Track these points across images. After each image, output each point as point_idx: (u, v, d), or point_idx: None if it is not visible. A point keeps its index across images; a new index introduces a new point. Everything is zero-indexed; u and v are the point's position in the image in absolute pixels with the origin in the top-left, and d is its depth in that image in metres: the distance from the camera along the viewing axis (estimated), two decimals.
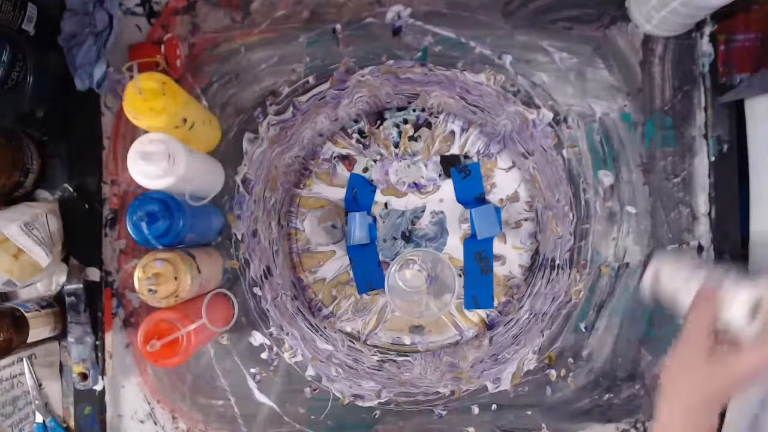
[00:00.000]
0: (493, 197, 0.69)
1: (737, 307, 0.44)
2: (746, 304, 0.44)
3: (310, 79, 0.67)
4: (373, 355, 0.69)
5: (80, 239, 0.68)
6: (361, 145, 0.70)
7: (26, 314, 0.61)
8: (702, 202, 0.65)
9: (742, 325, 0.44)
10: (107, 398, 0.68)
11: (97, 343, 0.67)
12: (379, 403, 0.68)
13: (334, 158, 0.70)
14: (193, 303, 0.60)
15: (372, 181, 0.70)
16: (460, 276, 0.69)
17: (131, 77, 0.53)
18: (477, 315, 0.70)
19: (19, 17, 0.61)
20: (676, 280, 0.55)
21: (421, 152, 0.70)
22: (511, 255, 0.70)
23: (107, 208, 0.68)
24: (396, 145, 0.70)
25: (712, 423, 0.45)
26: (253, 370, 0.68)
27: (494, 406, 0.68)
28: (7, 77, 0.59)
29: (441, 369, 0.68)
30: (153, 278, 0.55)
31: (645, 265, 0.64)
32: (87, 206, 0.68)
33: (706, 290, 0.48)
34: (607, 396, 0.67)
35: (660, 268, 0.58)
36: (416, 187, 0.70)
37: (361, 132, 0.70)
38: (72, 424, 0.68)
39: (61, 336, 0.67)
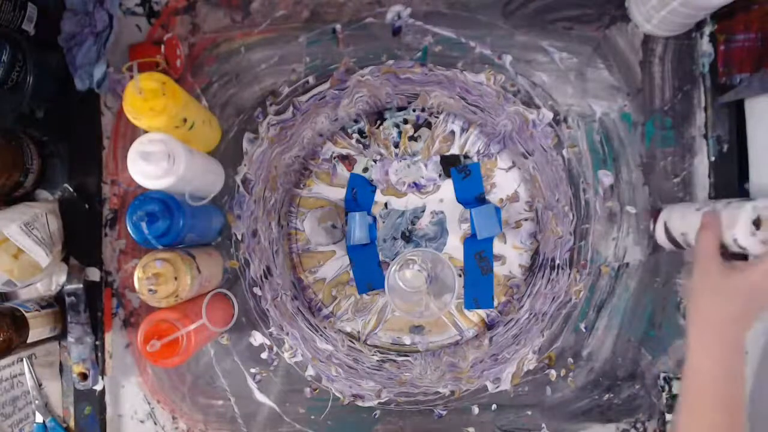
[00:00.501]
0: (493, 197, 0.69)
1: (741, 224, 0.50)
2: (748, 219, 0.50)
3: (310, 79, 0.67)
4: (373, 355, 0.69)
5: (80, 239, 0.68)
6: (361, 145, 0.70)
7: (26, 314, 0.61)
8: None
9: (748, 238, 0.50)
10: (107, 398, 0.68)
11: (97, 343, 0.67)
12: (379, 403, 0.68)
13: (334, 158, 0.70)
14: (193, 303, 0.60)
15: (372, 181, 0.70)
16: (460, 276, 0.69)
17: (131, 77, 0.53)
18: (477, 315, 0.70)
19: (19, 17, 0.61)
20: (684, 224, 0.59)
21: (421, 152, 0.70)
22: (511, 255, 0.70)
23: (107, 208, 0.68)
24: (396, 145, 0.70)
25: (741, 342, 0.47)
26: (253, 370, 0.68)
27: (494, 406, 0.68)
28: (7, 77, 0.59)
29: (441, 369, 0.68)
30: (153, 278, 0.55)
31: (654, 217, 0.65)
32: (87, 206, 0.68)
33: (708, 215, 0.52)
34: (607, 396, 0.67)
35: (668, 218, 0.62)
36: (416, 187, 0.70)
37: (361, 132, 0.70)
38: (72, 424, 0.68)
39: (61, 336, 0.67)
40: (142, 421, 0.69)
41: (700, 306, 0.49)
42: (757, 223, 0.50)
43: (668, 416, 0.65)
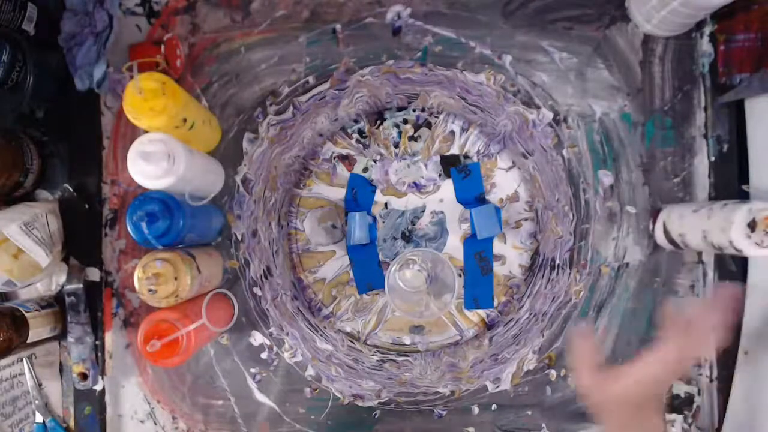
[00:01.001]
0: (493, 197, 0.69)
1: (737, 227, 0.52)
2: (743, 221, 0.51)
3: (310, 79, 0.67)
4: (373, 355, 0.69)
5: (80, 239, 0.68)
6: (361, 145, 0.70)
7: (26, 314, 0.61)
8: None
9: (743, 241, 0.51)
10: (107, 398, 0.68)
11: (97, 343, 0.67)
12: (379, 403, 0.68)
13: (334, 158, 0.70)
14: (193, 303, 0.60)
15: (372, 181, 0.70)
16: (460, 276, 0.69)
17: (131, 77, 0.53)
18: (477, 315, 0.70)
19: (19, 17, 0.61)
20: (682, 224, 0.60)
21: (421, 152, 0.70)
22: (511, 255, 0.70)
23: (107, 208, 0.68)
24: (396, 145, 0.70)
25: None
26: (253, 370, 0.68)
27: (494, 406, 0.68)
28: (7, 77, 0.59)
29: (441, 369, 0.68)
30: (153, 278, 0.55)
31: (654, 217, 0.65)
32: (87, 206, 0.68)
33: (580, 330, 0.54)
34: None
35: (667, 219, 0.63)
36: (416, 187, 0.70)
37: (361, 132, 0.70)
38: (72, 424, 0.68)
39: (61, 336, 0.67)
40: (142, 421, 0.69)
41: (602, 409, 0.49)
42: (752, 226, 0.51)
43: (668, 416, 0.65)
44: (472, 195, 0.69)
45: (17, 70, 0.60)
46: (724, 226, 0.53)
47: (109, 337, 0.67)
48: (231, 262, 0.68)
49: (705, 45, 0.64)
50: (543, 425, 0.67)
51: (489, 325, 0.70)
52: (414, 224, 0.70)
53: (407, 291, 0.62)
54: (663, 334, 0.48)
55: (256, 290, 0.68)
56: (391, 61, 0.67)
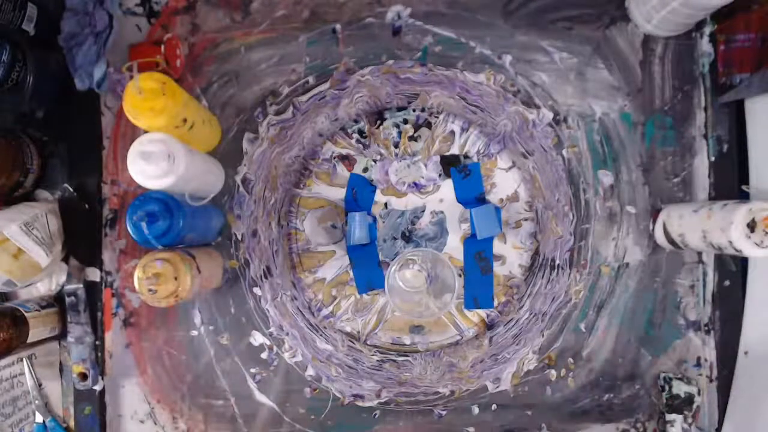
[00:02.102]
0: (493, 197, 0.69)
1: (736, 227, 0.52)
2: (743, 222, 0.52)
3: (310, 79, 0.67)
4: (373, 355, 0.69)
5: (80, 239, 0.67)
6: (361, 145, 0.70)
7: (26, 314, 0.61)
8: None
9: (743, 241, 0.52)
10: (107, 398, 0.68)
11: (97, 343, 0.67)
12: (379, 403, 0.68)
13: (334, 158, 0.70)
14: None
15: (372, 181, 0.70)
16: (460, 276, 0.69)
17: (131, 77, 0.53)
18: (477, 315, 0.70)
19: (19, 17, 0.61)
20: (682, 225, 0.60)
21: (421, 152, 0.70)
22: (511, 255, 0.70)
23: (107, 208, 0.68)
24: (396, 145, 0.70)
25: None
26: (253, 370, 0.68)
27: (494, 406, 0.68)
28: (7, 77, 0.59)
29: (441, 369, 0.68)
30: (153, 278, 0.55)
31: (653, 217, 0.65)
32: (87, 206, 0.68)
33: None
34: (607, 396, 0.67)
35: (667, 219, 0.63)
36: (416, 187, 0.70)
37: (361, 132, 0.70)
38: (72, 424, 0.68)
39: (61, 336, 0.67)
40: (142, 421, 0.69)
41: None
42: (751, 226, 0.51)
43: (668, 416, 0.65)
44: (472, 195, 0.69)
45: (17, 70, 0.60)
46: (723, 226, 0.53)
47: (109, 337, 0.67)
48: (231, 262, 0.68)
49: (705, 45, 0.64)
50: (543, 425, 0.67)
51: (489, 325, 0.70)
52: (414, 224, 0.70)
53: (407, 291, 0.62)
54: None
55: (256, 290, 0.68)
56: (391, 61, 0.67)
